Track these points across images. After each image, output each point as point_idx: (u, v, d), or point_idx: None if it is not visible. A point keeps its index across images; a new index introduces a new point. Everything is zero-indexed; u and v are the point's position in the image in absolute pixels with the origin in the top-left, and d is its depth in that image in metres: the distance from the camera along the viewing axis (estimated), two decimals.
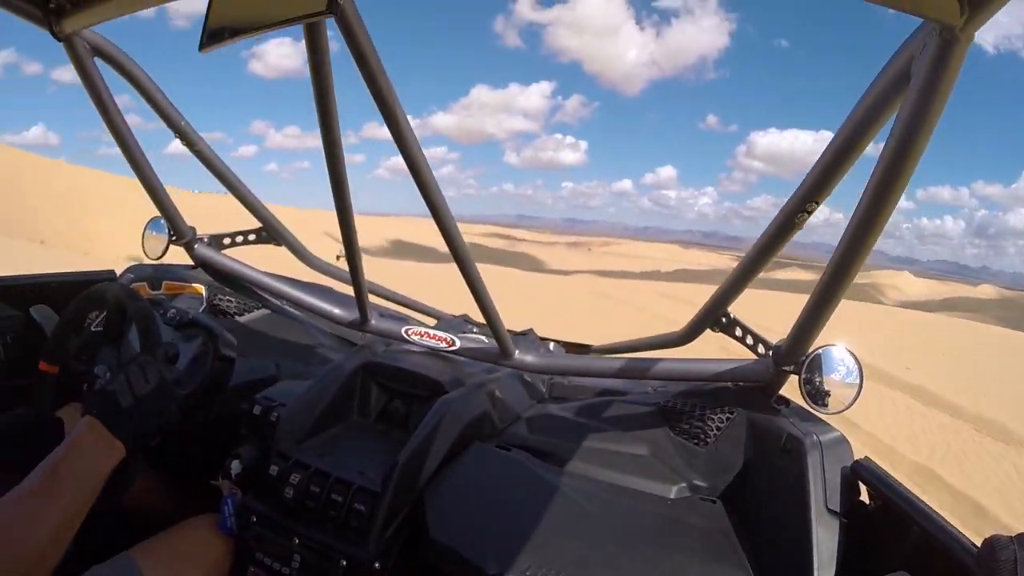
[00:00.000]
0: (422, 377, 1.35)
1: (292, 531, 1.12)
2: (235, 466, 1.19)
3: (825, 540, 1.01)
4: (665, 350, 1.58)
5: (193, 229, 1.73)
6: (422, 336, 1.49)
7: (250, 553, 1.15)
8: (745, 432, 1.28)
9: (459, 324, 1.81)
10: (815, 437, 1.11)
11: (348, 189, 1.24)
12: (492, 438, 1.35)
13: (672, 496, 1.26)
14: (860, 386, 1.15)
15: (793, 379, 1.21)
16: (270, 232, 1.74)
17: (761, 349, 1.30)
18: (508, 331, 1.59)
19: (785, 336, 1.19)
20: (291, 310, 1.74)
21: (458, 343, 1.48)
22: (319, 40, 0.97)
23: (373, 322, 1.54)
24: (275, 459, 1.17)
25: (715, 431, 1.33)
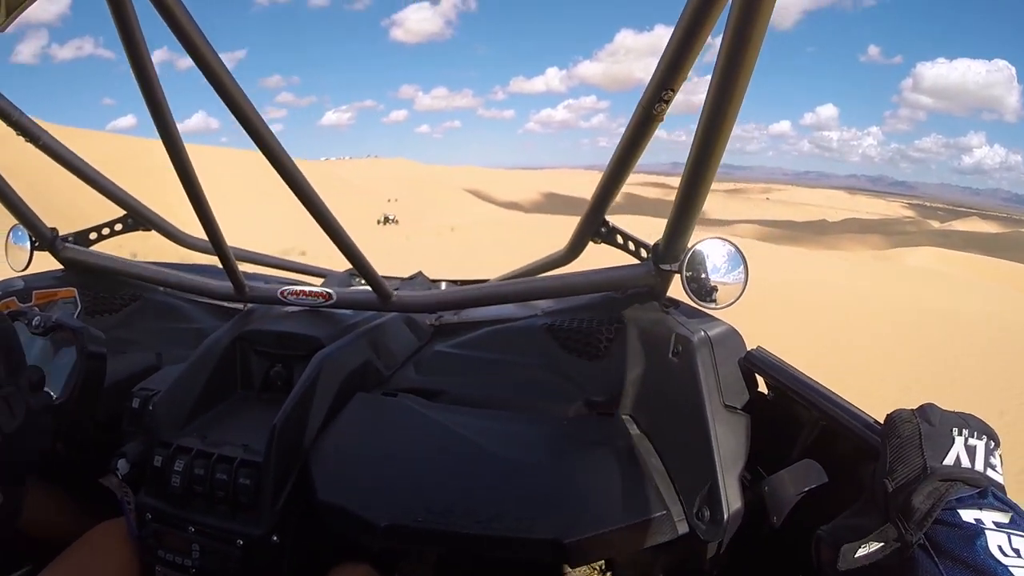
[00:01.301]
0: (298, 336, 1.31)
1: (186, 520, 1.08)
2: (122, 465, 1.13)
3: (726, 437, 1.01)
4: (552, 271, 1.47)
5: (54, 230, 1.55)
6: (299, 295, 1.37)
7: (153, 552, 1.10)
8: (636, 340, 1.26)
9: (344, 278, 1.75)
10: (704, 334, 1.09)
11: (187, 155, 1.14)
12: (378, 386, 1.32)
13: (570, 415, 1.26)
14: (746, 276, 1.13)
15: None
16: (136, 219, 1.59)
17: (643, 253, 1.23)
18: (396, 277, 1.69)
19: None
20: (170, 296, 1.64)
21: (335, 296, 1.37)
22: (124, 9, 0.91)
23: (249, 290, 1.40)
24: (157, 449, 1.11)
25: (606, 343, 1.31)
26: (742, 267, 1.13)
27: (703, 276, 1.11)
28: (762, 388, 1.10)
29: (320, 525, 1.09)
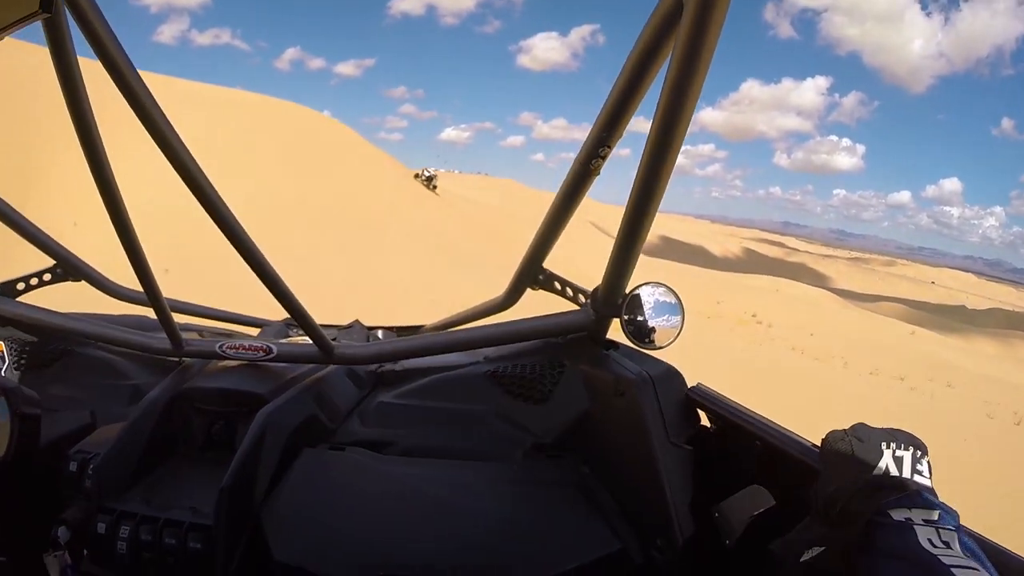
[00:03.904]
0: (239, 392, 1.28)
1: None
2: (62, 533, 1.08)
3: (674, 471, 1.04)
4: (492, 317, 1.48)
5: None
6: (238, 349, 1.33)
7: None
8: (580, 382, 1.29)
9: (281, 329, 1.72)
10: (645, 374, 1.12)
11: (120, 197, 1.10)
12: (324, 441, 1.31)
13: (519, 459, 1.27)
14: (682, 317, 1.18)
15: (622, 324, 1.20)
16: (66, 268, 1.54)
17: (581, 299, 1.28)
18: (333, 325, 1.69)
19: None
20: (104, 349, 1.55)
21: (275, 349, 1.34)
22: (59, 37, 0.89)
23: (186, 344, 1.36)
24: (100, 515, 1.07)
25: (550, 386, 1.33)
26: (679, 309, 1.19)
27: (640, 319, 1.17)
28: (704, 422, 1.15)
29: None
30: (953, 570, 0.55)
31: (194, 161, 1.01)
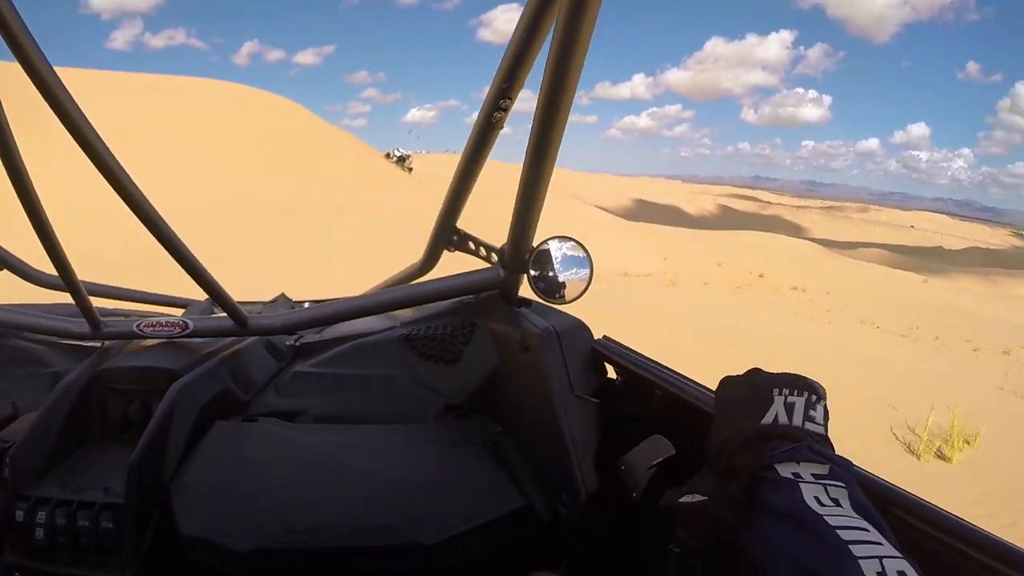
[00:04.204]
0: (153, 369, 1.26)
1: (55, 575, 1.04)
2: None
3: (578, 424, 1.07)
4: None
5: None
6: (155, 327, 1.32)
7: None
8: (490, 341, 1.31)
9: (205, 307, 1.67)
10: (551, 328, 1.15)
11: (29, 179, 1.04)
12: (238, 413, 1.29)
13: (431, 420, 1.28)
14: (591, 269, 1.19)
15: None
16: None
17: (494, 257, 1.28)
18: (258, 301, 1.70)
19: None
20: (24, 338, 1.51)
21: (191, 325, 1.32)
22: None
23: (104, 327, 1.34)
24: (18, 503, 1.05)
25: (460, 346, 1.34)
26: (587, 262, 1.20)
27: (550, 274, 1.19)
28: (611, 374, 1.16)
29: (188, 563, 1.04)
30: (839, 531, 0.54)
31: (97, 136, 0.96)
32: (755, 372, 0.75)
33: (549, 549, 1.12)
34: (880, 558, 0.51)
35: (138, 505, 1.04)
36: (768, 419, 0.68)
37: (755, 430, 0.68)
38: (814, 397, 0.70)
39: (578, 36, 0.76)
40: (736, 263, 28.98)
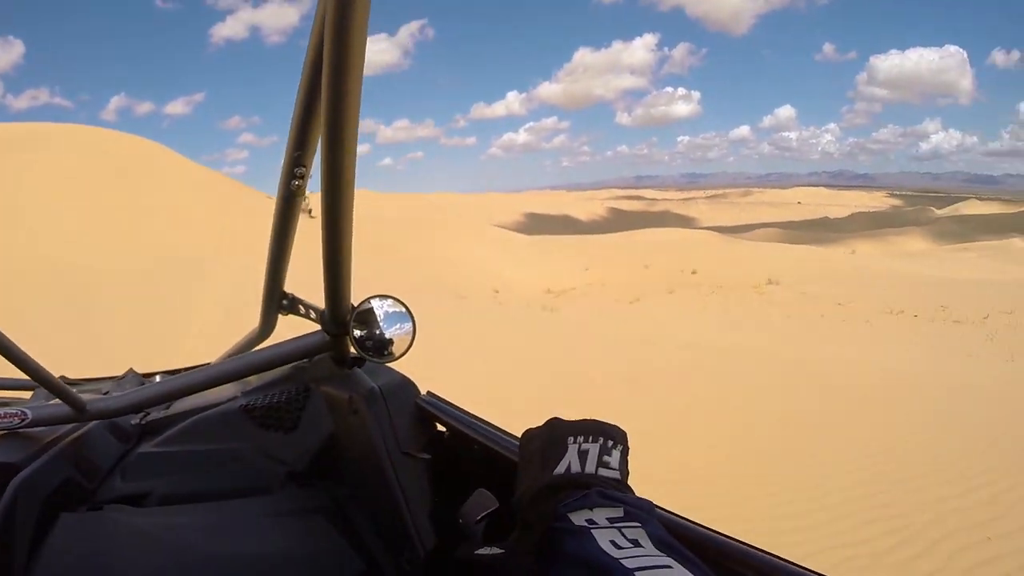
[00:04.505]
0: None
1: None
2: None
3: (409, 482, 1.05)
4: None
5: None
6: None
7: None
8: (323, 405, 1.29)
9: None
10: (376, 389, 1.13)
11: None
12: (83, 502, 1.20)
13: (276, 491, 1.25)
14: (413, 323, 1.18)
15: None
16: None
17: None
18: (109, 377, 1.62)
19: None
20: None
21: (30, 414, 1.21)
22: None
23: None
24: None
25: (297, 413, 1.32)
26: (407, 316, 1.19)
27: (377, 332, 1.15)
28: (441, 427, 1.15)
29: None
30: (637, 573, 0.52)
31: None
32: (555, 421, 0.74)
33: None
34: None
35: None
36: (561, 468, 0.67)
37: (547, 480, 0.67)
38: (610, 443, 0.69)
39: (345, 99, 0.75)
40: (661, 262, 26.50)
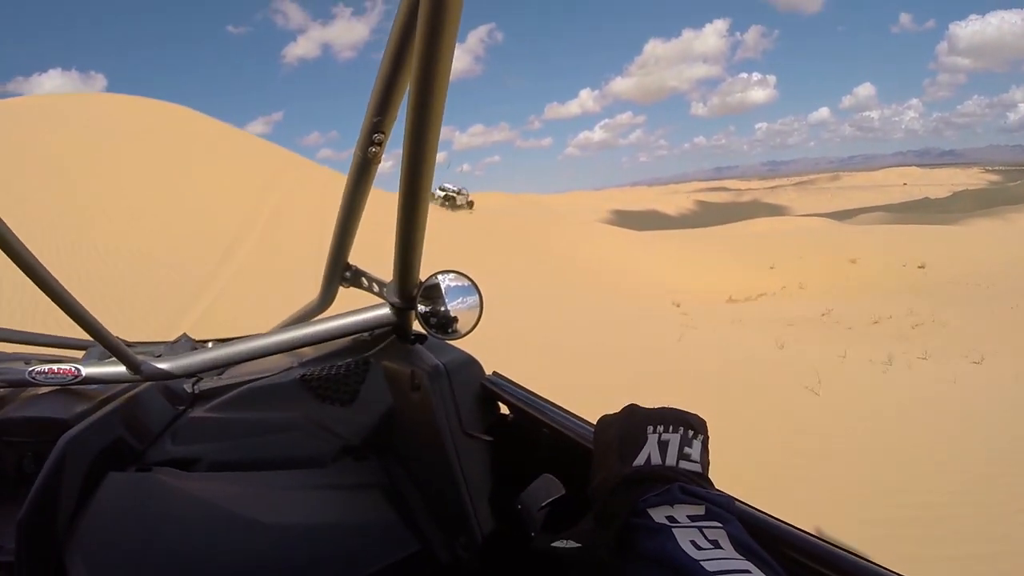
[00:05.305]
0: (44, 420, 1.19)
1: None
2: None
3: (470, 464, 1.04)
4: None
5: None
6: (47, 374, 1.24)
7: None
8: (383, 380, 1.28)
9: (104, 350, 1.49)
10: (440, 366, 1.11)
11: None
12: (132, 463, 1.19)
13: (328, 464, 1.24)
14: (481, 303, 1.16)
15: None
16: None
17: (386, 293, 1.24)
18: (160, 342, 1.62)
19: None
20: None
21: (84, 372, 1.24)
22: None
23: None
24: None
25: (355, 386, 1.30)
26: (476, 295, 1.17)
27: (442, 309, 1.14)
28: (504, 410, 1.12)
29: None
30: None
31: None
32: (632, 408, 0.72)
33: None
34: None
35: (30, 563, 1.00)
36: (640, 460, 0.65)
37: (627, 472, 0.65)
38: (691, 432, 0.66)
39: (437, 66, 0.75)
40: (867, 256, 22.22)
